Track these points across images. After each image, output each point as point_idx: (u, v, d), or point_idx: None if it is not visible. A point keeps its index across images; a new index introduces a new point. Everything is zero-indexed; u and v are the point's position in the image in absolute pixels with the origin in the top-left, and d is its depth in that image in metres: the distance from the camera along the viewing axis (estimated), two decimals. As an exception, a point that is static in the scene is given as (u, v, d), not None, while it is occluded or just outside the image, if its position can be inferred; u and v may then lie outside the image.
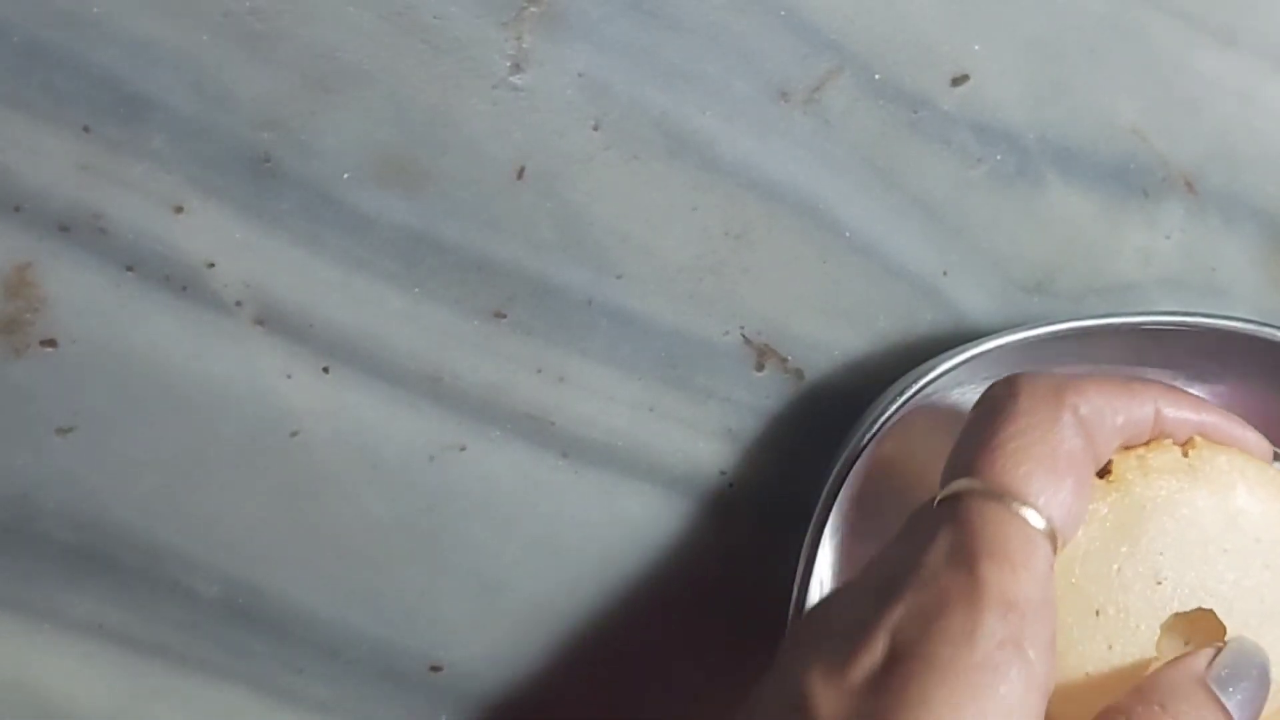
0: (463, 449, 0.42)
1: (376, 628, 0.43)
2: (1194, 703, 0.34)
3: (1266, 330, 0.43)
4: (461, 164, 0.41)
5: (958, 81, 0.44)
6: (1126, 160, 0.45)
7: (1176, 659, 0.35)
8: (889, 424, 0.41)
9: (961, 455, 0.35)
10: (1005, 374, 0.38)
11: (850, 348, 0.44)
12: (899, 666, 0.32)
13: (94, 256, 0.39)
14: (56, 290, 0.39)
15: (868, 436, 0.41)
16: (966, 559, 0.33)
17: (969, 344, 0.42)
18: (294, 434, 0.42)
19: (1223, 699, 0.34)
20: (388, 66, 0.40)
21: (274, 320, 0.41)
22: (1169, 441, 0.37)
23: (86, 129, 0.39)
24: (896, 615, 0.33)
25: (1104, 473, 0.36)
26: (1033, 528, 0.33)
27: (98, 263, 0.39)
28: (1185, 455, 0.37)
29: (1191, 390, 0.43)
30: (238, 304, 0.40)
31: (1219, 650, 0.35)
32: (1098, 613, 0.36)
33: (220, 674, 0.42)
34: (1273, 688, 0.36)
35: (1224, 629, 0.36)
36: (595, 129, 0.41)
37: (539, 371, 0.43)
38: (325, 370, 0.41)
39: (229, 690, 0.42)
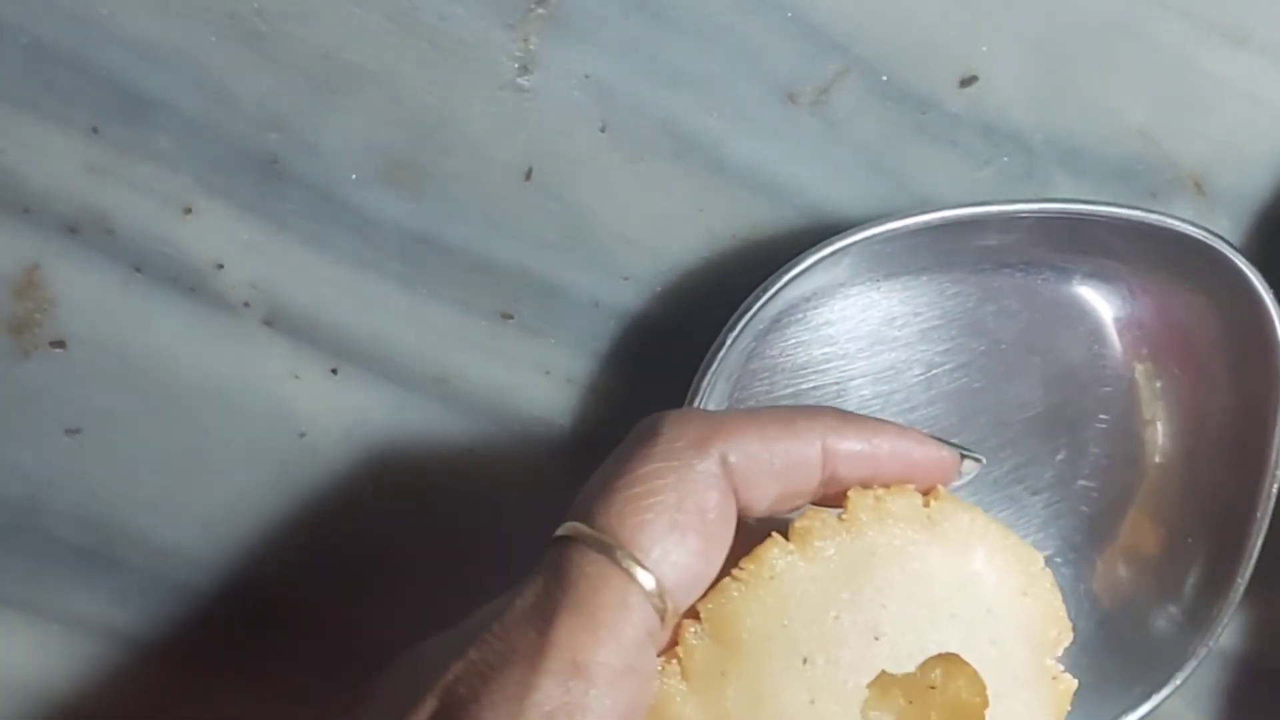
0: (470, 450, 0.43)
1: (388, 628, 0.43)
2: None
3: (1145, 216, 0.42)
4: (468, 165, 0.41)
5: (965, 83, 0.43)
6: (1134, 161, 0.45)
7: None
8: (752, 326, 0.40)
9: (586, 494, 0.32)
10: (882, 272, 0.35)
11: (857, 349, 0.44)
12: None
13: (102, 257, 0.40)
14: (64, 291, 0.40)
15: (729, 338, 0.39)
16: (545, 611, 0.30)
17: (837, 236, 0.40)
18: (301, 434, 0.42)
19: None
20: (394, 68, 0.40)
21: (281, 321, 0.41)
22: (911, 487, 0.34)
23: (94, 130, 0.39)
24: (456, 671, 0.30)
25: (836, 506, 0.33)
26: (636, 585, 0.30)
27: (106, 264, 0.40)
28: (926, 505, 0.34)
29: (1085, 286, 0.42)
30: (245, 305, 0.41)
31: None
32: (805, 661, 0.32)
33: (228, 675, 0.42)
34: None
35: (934, 691, 0.34)
36: (601, 130, 0.41)
37: (546, 373, 0.43)
38: (333, 371, 0.41)
39: (236, 690, 0.42)
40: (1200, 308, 0.44)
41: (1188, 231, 0.42)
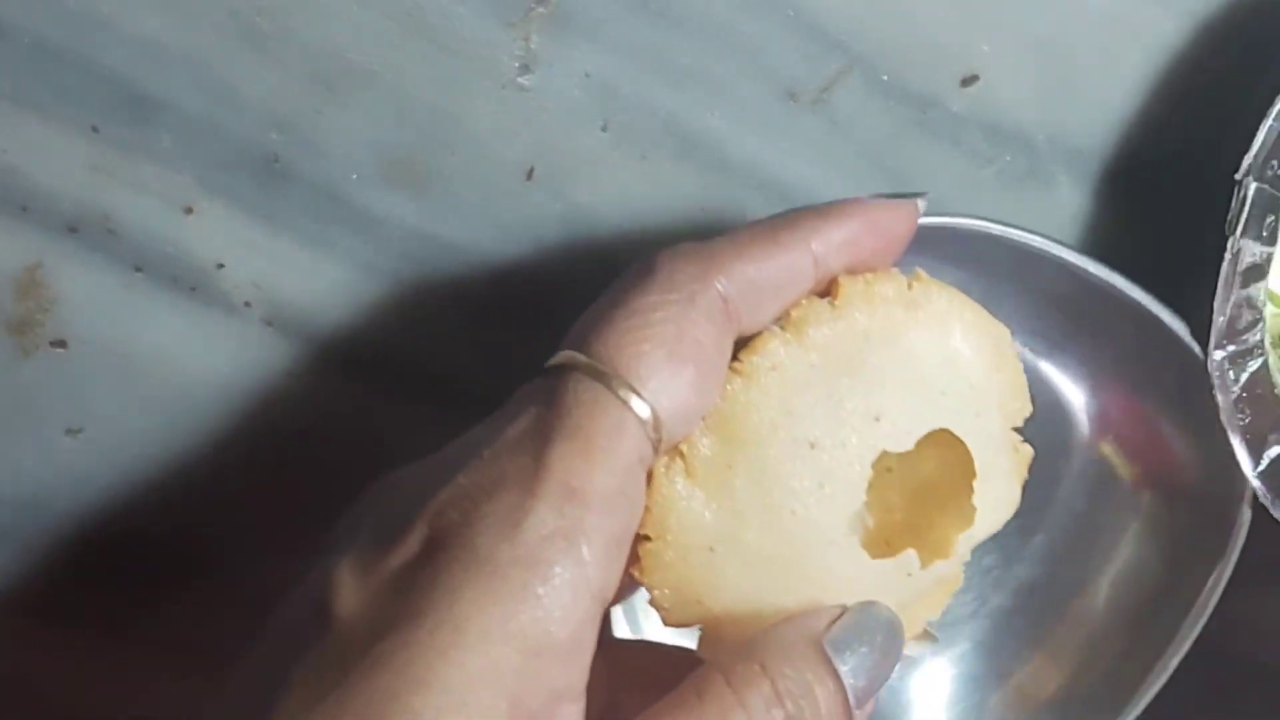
0: (471, 450, 0.43)
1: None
2: (801, 664, 0.31)
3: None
4: (469, 165, 0.41)
5: (967, 82, 0.43)
6: (1137, 161, 0.45)
7: (795, 617, 0.32)
8: None
9: (579, 327, 0.32)
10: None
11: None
12: (434, 557, 0.28)
13: (103, 257, 0.40)
14: (66, 291, 0.40)
15: None
16: (538, 437, 0.30)
17: None
18: (303, 434, 0.42)
19: (837, 663, 0.31)
20: (395, 67, 0.40)
21: (283, 321, 0.41)
22: (895, 270, 0.34)
23: (95, 130, 0.39)
24: (444, 497, 0.29)
25: (829, 295, 0.34)
26: (631, 413, 0.30)
27: (107, 263, 0.40)
28: (910, 287, 0.34)
29: None
30: (246, 304, 0.41)
31: (843, 611, 0.32)
32: (812, 445, 0.33)
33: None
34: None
35: (924, 466, 0.35)
36: (603, 130, 0.41)
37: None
38: (335, 370, 0.41)
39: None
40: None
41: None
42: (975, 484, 0.34)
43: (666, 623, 0.33)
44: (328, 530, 0.42)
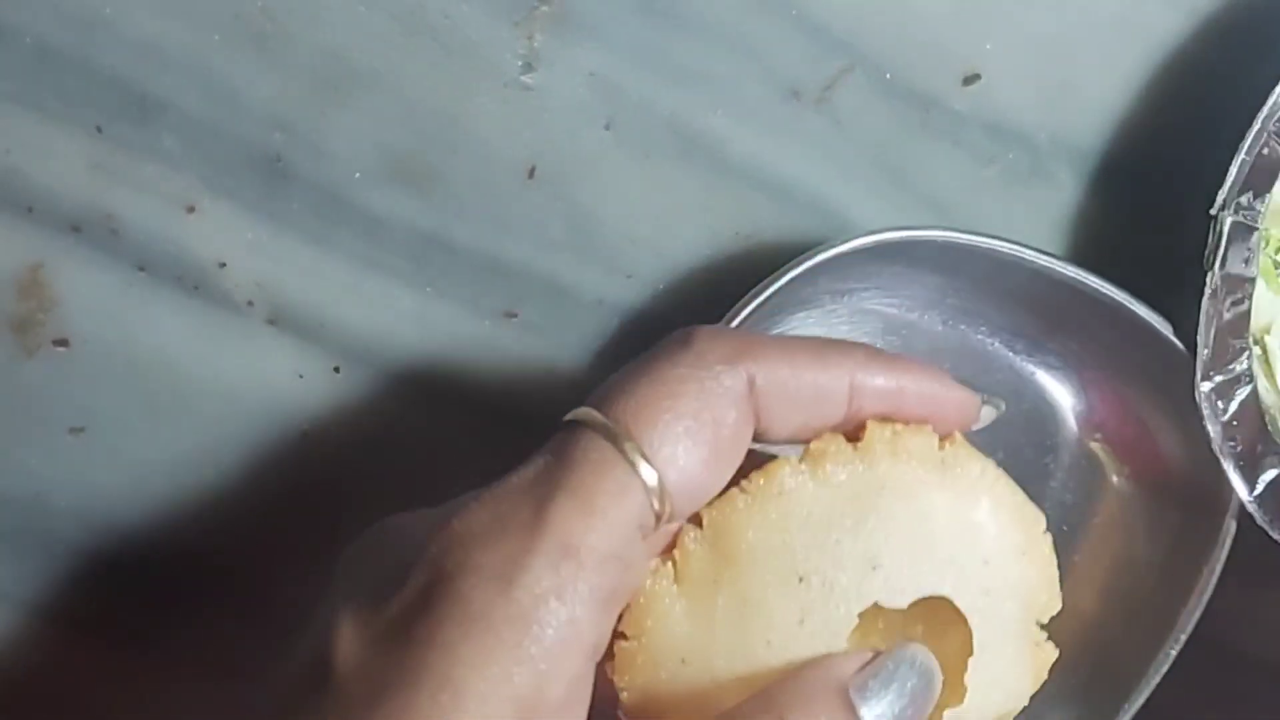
0: (473, 449, 0.43)
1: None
2: (820, 714, 0.30)
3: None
4: (472, 164, 0.41)
5: (969, 81, 0.43)
6: (1138, 160, 0.45)
7: (822, 659, 0.31)
8: (752, 324, 0.40)
9: (604, 386, 0.32)
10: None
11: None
12: (431, 607, 0.28)
13: (105, 256, 0.39)
14: (68, 290, 0.40)
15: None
16: (541, 489, 0.29)
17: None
18: (304, 433, 0.42)
19: (863, 711, 0.30)
20: (398, 67, 0.40)
21: (285, 320, 0.41)
22: (929, 427, 0.33)
23: (98, 129, 0.39)
24: (441, 541, 0.29)
25: (854, 438, 0.33)
26: (637, 478, 0.29)
27: (109, 263, 0.40)
28: (941, 448, 0.33)
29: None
30: (249, 304, 0.41)
31: (875, 655, 0.32)
32: (801, 579, 0.32)
33: (234, 675, 0.42)
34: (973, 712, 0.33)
35: (918, 629, 0.34)
36: (606, 129, 0.41)
37: (550, 371, 0.43)
38: (336, 370, 0.41)
39: (244, 690, 0.42)
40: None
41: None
42: (970, 662, 0.33)
43: None
44: (329, 531, 0.42)
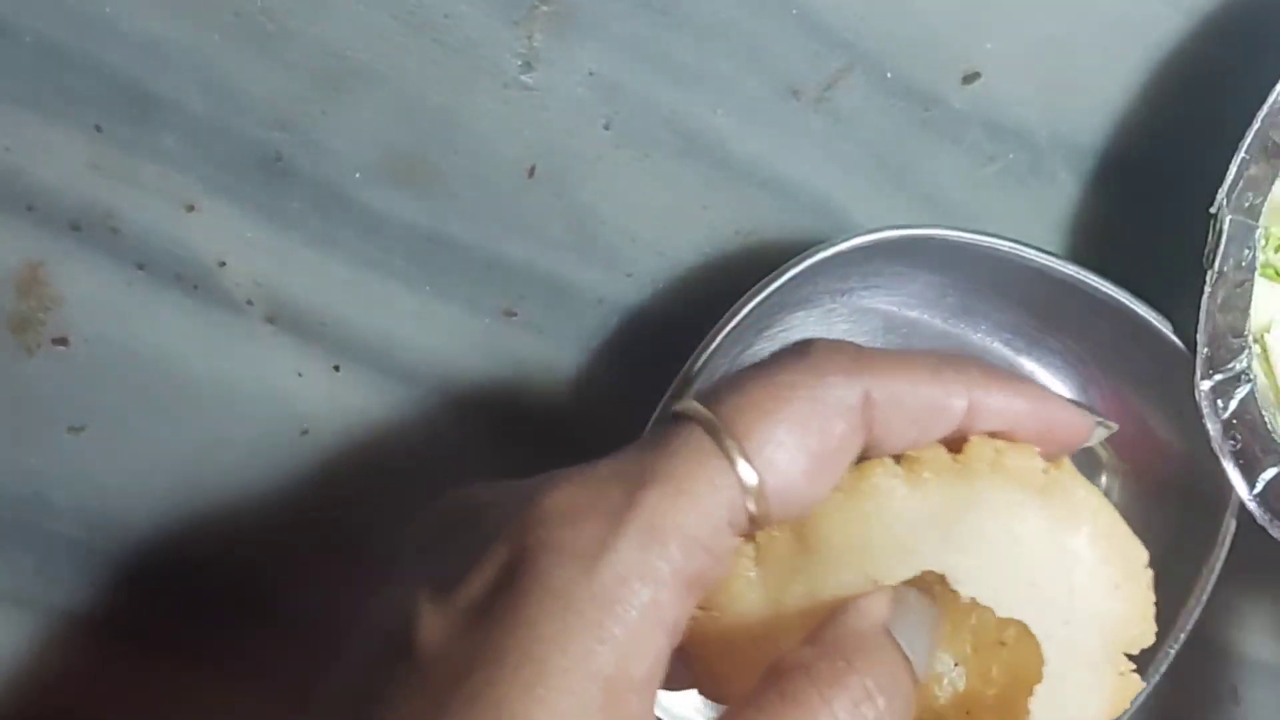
0: (473, 447, 0.43)
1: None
2: (882, 656, 0.30)
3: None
4: (472, 163, 0.41)
5: (969, 79, 0.43)
6: (1138, 159, 0.45)
7: (851, 603, 0.31)
8: (752, 323, 0.40)
9: (720, 381, 0.32)
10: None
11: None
12: (512, 585, 0.28)
13: (106, 255, 0.39)
14: (68, 289, 0.40)
15: (717, 338, 0.39)
16: (633, 473, 0.29)
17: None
18: (304, 432, 0.42)
19: (905, 650, 0.30)
20: (398, 65, 0.40)
21: (285, 319, 0.41)
22: (1035, 449, 0.33)
23: (98, 128, 0.39)
24: (526, 519, 0.29)
25: (954, 449, 0.33)
26: (734, 473, 0.29)
27: (109, 262, 0.40)
28: (1045, 471, 0.33)
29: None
30: (249, 303, 0.41)
31: (893, 593, 0.31)
32: (875, 584, 0.32)
33: (234, 674, 0.42)
34: None
35: (1003, 648, 0.32)
36: (606, 128, 0.41)
37: (550, 370, 0.43)
38: (336, 369, 0.41)
39: (243, 690, 0.42)
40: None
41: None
42: (1038, 688, 0.32)
43: (701, 693, 0.33)
44: (328, 529, 0.42)
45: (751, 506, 0.30)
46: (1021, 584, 0.33)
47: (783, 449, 0.30)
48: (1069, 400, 0.35)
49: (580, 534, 0.28)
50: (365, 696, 0.29)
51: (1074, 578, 0.33)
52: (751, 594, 0.32)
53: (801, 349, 0.32)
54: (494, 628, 0.28)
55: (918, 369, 0.32)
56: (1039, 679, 0.32)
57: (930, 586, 0.31)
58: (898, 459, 0.32)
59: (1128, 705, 0.34)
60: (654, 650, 0.29)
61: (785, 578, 0.32)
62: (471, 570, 0.29)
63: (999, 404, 0.33)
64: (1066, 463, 0.34)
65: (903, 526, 0.32)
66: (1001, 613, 0.32)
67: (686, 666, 0.32)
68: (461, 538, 0.30)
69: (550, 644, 0.27)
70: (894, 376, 0.32)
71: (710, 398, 0.31)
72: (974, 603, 0.31)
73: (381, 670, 0.29)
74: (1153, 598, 0.34)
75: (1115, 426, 0.35)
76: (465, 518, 0.31)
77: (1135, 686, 0.34)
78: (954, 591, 0.32)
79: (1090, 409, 0.35)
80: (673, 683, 0.33)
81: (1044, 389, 0.35)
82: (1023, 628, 0.32)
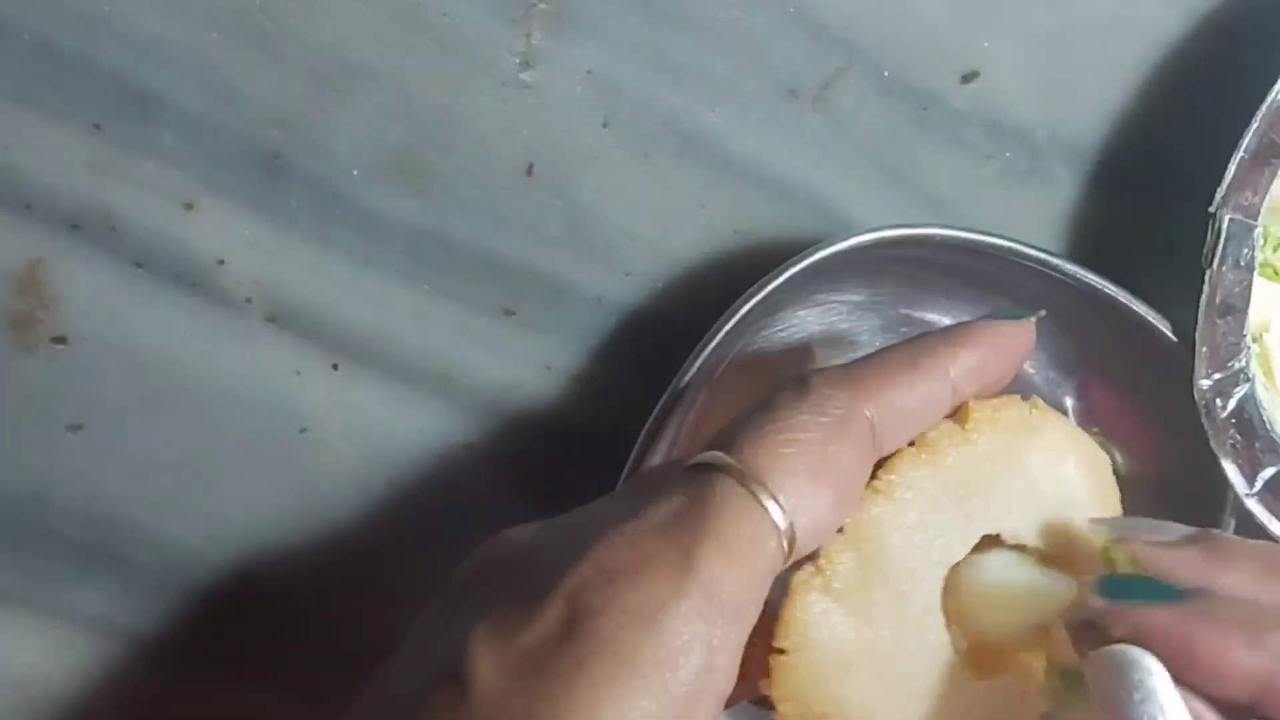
0: (471, 446, 0.43)
1: (389, 623, 0.43)
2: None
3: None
4: (470, 162, 0.41)
5: (967, 79, 0.43)
6: (1137, 158, 0.45)
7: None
8: (751, 322, 0.41)
9: (730, 430, 0.32)
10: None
11: (859, 345, 0.44)
12: (574, 640, 0.29)
13: (104, 254, 0.40)
14: (67, 287, 0.40)
15: (718, 335, 0.40)
16: (686, 533, 0.30)
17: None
18: (303, 430, 0.42)
19: None
20: (397, 64, 0.40)
21: (284, 317, 0.41)
22: (1018, 397, 0.36)
23: (97, 127, 0.39)
24: (583, 573, 0.29)
25: (957, 418, 0.35)
26: (771, 524, 0.30)
27: (108, 260, 0.40)
28: (1030, 414, 0.36)
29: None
30: (247, 301, 0.41)
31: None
32: (941, 563, 0.34)
33: (229, 670, 0.42)
34: None
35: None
36: (604, 127, 0.41)
37: (548, 369, 0.43)
38: (335, 367, 0.41)
39: (236, 685, 0.42)
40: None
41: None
42: None
43: None
44: (326, 527, 0.42)
45: (785, 548, 0.31)
46: (1047, 515, 0.35)
47: (808, 491, 0.31)
48: (1002, 320, 0.36)
49: (643, 596, 0.29)
50: None
51: (1075, 495, 0.36)
52: (834, 620, 0.33)
53: (800, 388, 0.33)
54: (556, 682, 0.28)
55: (900, 371, 0.34)
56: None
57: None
58: (917, 447, 0.34)
59: None
60: (707, 717, 0.29)
61: (862, 593, 0.33)
62: (531, 619, 0.29)
63: (973, 364, 0.35)
64: (1039, 402, 0.36)
65: (946, 506, 0.34)
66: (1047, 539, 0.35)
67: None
68: (513, 581, 0.31)
69: (614, 705, 0.28)
70: (886, 390, 0.33)
71: (730, 446, 0.31)
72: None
73: (433, 702, 0.29)
74: (1119, 496, 0.37)
75: (1044, 312, 0.37)
76: (512, 562, 0.32)
77: None
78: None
79: (1017, 313, 0.36)
80: None
81: (983, 325, 0.36)
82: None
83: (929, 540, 0.34)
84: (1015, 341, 0.36)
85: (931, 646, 0.34)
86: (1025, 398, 0.36)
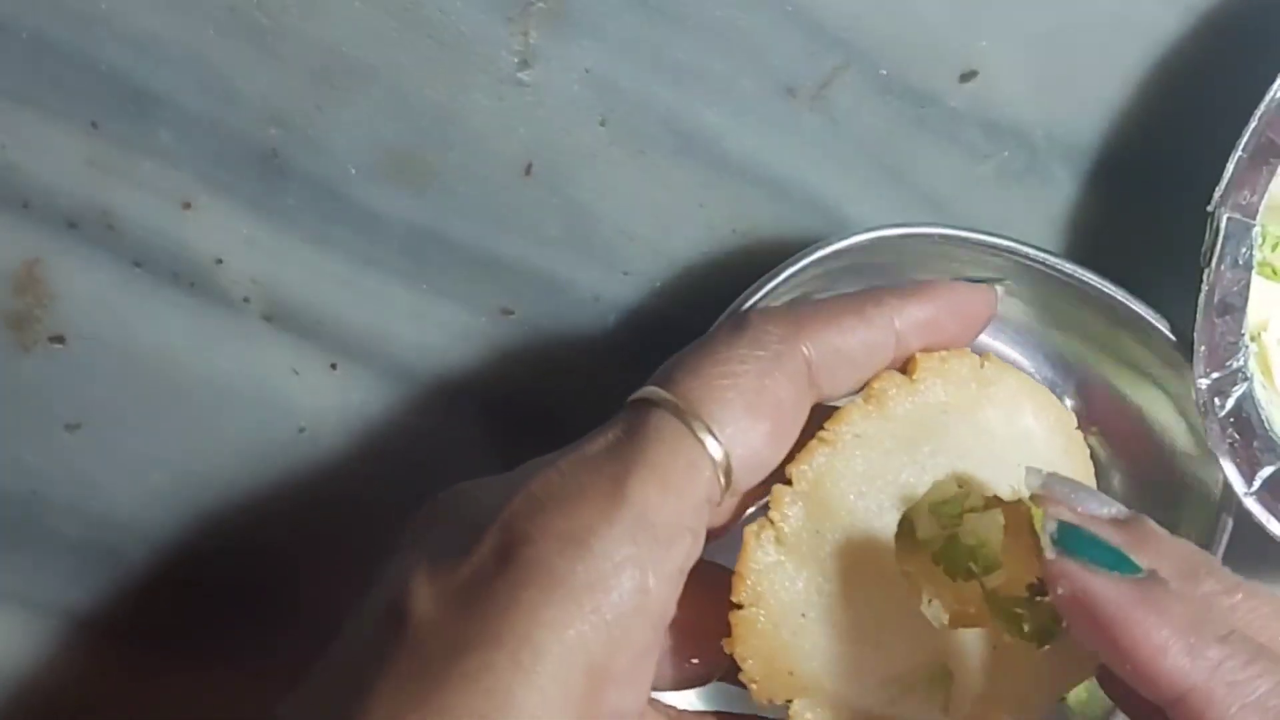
0: (470, 445, 0.43)
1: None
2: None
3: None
4: (468, 160, 0.41)
5: (965, 78, 0.43)
6: (1135, 157, 0.45)
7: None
8: None
9: (668, 366, 0.33)
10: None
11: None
12: (510, 567, 0.29)
13: (102, 253, 0.40)
14: (65, 286, 0.40)
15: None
16: (617, 462, 0.31)
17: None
18: (301, 430, 0.42)
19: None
20: (394, 62, 0.40)
21: (282, 317, 0.41)
22: (968, 349, 0.36)
23: (94, 125, 0.39)
24: (516, 505, 0.30)
25: (906, 370, 0.35)
26: (707, 456, 0.31)
27: (106, 259, 0.40)
28: (981, 366, 0.36)
29: None
30: (245, 300, 0.41)
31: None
32: (896, 508, 0.34)
33: (230, 667, 0.42)
34: None
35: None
36: (602, 125, 0.41)
37: (547, 368, 0.43)
38: (333, 367, 0.41)
39: (239, 684, 0.42)
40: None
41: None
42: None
43: (756, 696, 0.33)
44: (324, 526, 0.42)
45: (722, 480, 0.31)
46: (1011, 467, 0.35)
47: (744, 422, 0.32)
48: (964, 282, 0.37)
49: (575, 522, 0.29)
50: (362, 663, 0.30)
51: (1038, 450, 0.36)
52: (788, 571, 0.33)
53: (737, 325, 0.34)
54: (491, 608, 0.29)
55: (844, 315, 0.34)
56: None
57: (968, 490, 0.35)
58: (864, 398, 0.35)
59: None
60: (642, 641, 0.30)
61: (815, 543, 0.33)
62: (467, 552, 0.30)
63: (922, 317, 0.35)
64: (993, 356, 0.37)
65: (896, 453, 0.34)
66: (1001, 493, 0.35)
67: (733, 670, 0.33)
68: (456, 522, 0.31)
69: (547, 628, 0.28)
70: (826, 330, 0.34)
71: (668, 382, 0.32)
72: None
73: (376, 641, 0.30)
74: (1089, 453, 0.38)
75: (1009, 281, 0.38)
76: (458, 504, 0.32)
77: None
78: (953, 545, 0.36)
79: (984, 279, 0.37)
80: (675, 683, 0.33)
81: (943, 283, 0.37)
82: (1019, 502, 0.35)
83: (880, 489, 0.34)
84: (971, 302, 0.36)
85: (891, 595, 0.34)
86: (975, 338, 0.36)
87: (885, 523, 0.34)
